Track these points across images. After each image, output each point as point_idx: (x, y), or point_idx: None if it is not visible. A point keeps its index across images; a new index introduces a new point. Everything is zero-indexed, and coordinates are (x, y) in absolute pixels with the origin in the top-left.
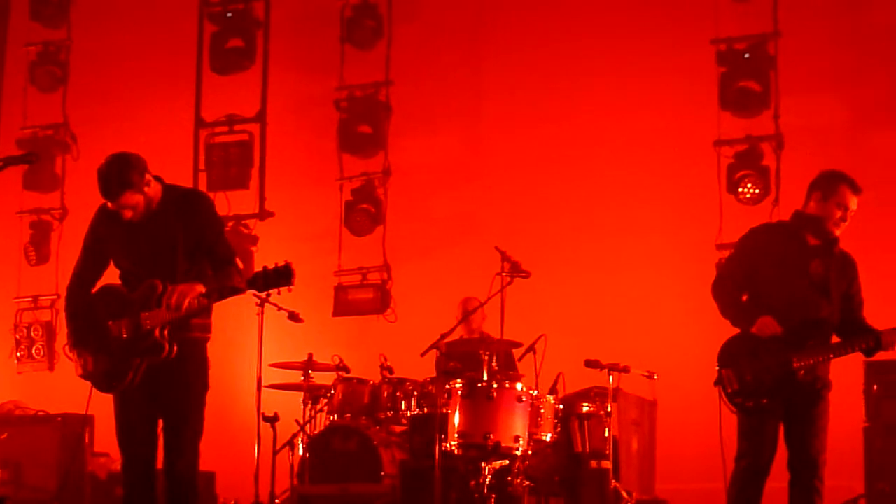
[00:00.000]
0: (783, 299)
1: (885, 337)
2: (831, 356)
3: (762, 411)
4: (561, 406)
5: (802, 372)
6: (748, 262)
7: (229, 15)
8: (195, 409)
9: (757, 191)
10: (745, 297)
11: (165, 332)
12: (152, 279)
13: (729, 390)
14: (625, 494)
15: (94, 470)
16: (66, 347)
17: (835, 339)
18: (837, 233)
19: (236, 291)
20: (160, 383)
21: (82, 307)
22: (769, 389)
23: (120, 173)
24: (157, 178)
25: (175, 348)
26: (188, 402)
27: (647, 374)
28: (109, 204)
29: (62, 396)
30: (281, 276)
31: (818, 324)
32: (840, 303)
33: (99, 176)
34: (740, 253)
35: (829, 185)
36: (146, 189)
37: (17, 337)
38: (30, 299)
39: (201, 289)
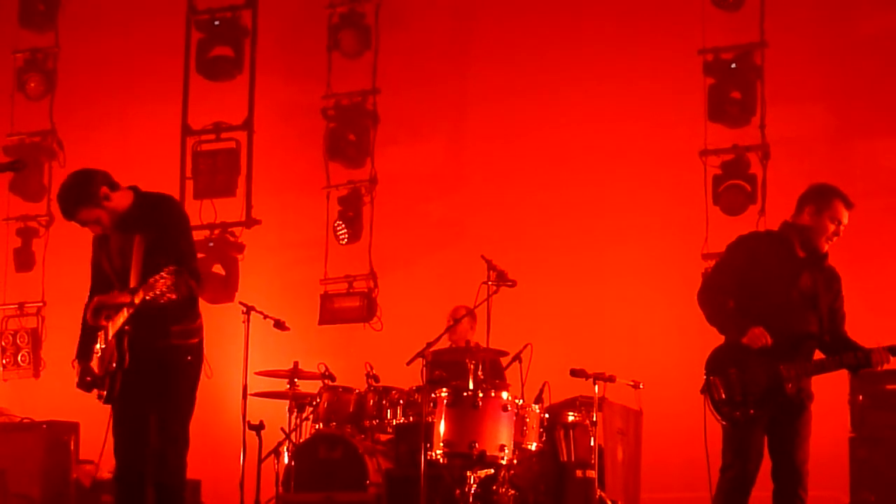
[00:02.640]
0: (772, 310)
1: (875, 356)
2: (820, 370)
3: (749, 422)
4: (546, 415)
5: (790, 384)
6: (738, 269)
7: (217, 23)
8: (175, 416)
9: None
10: (731, 305)
11: (125, 342)
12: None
13: (716, 399)
14: (610, 503)
15: (80, 477)
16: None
17: (818, 354)
18: (827, 247)
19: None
20: (143, 392)
21: (84, 321)
22: (757, 400)
23: (73, 190)
24: (132, 188)
25: (126, 359)
26: (167, 409)
27: (632, 383)
28: (71, 221)
29: (47, 404)
30: None
31: (807, 337)
32: (827, 317)
33: (58, 196)
34: (730, 260)
35: (824, 199)
36: (106, 203)
37: (3, 344)
38: (15, 306)
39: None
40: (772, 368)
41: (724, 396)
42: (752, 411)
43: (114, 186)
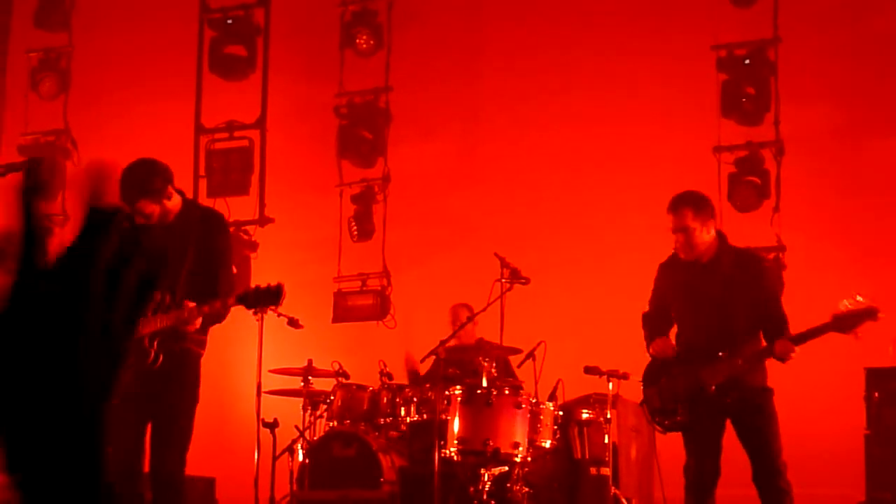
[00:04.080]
0: (685, 321)
1: (778, 346)
2: (756, 361)
3: (682, 427)
4: (560, 412)
5: (712, 387)
6: (661, 298)
7: (229, 21)
8: (185, 417)
9: None
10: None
11: (155, 342)
12: (166, 294)
13: (651, 408)
14: (624, 501)
15: None
16: None
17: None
18: (686, 253)
19: (218, 317)
20: (153, 389)
21: None
22: (685, 406)
23: (143, 180)
24: (179, 192)
25: (160, 358)
26: (179, 409)
27: (641, 376)
28: (125, 207)
29: None
30: (270, 296)
31: (727, 336)
32: (756, 308)
33: (122, 178)
34: (654, 292)
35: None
36: (165, 201)
37: None
38: None
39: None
40: (692, 375)
41: (657, 406)
42: (678, 418)
43: (173, 184)
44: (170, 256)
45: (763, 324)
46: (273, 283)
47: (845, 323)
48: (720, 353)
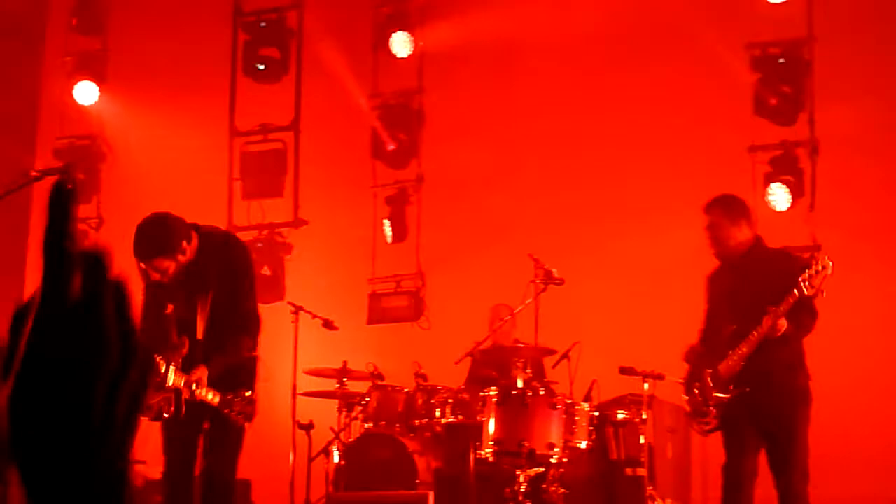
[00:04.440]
0: (724, 324)
1: (765, 321)
2: (745, 353)
3: (717, 429)
4: (596, 413)
5: (731, 385)
6: (709, 309)
7: (263, 25)
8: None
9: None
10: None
11: (181, 397)
12: (184, 337)
13: (688, 414)
14: (660, 502)
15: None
16: None
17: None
18: (715, 250)
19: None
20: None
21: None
22: (713, 407)
23: (158, 238)
24: (194, 228)
25: (182, 409)
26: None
27: (681, 381)
28: (140, 263)
29: None
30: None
31: (728, 335)
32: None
33: (136, 234)
34: (706, 304)
35: None
36: (180, 257)
37: None
38: None
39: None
40: (716, 373)
41: (692, 410)
42: (712, 419)
43: (189, 237)
44: (195, 295)
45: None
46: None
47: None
48: (728, 351)
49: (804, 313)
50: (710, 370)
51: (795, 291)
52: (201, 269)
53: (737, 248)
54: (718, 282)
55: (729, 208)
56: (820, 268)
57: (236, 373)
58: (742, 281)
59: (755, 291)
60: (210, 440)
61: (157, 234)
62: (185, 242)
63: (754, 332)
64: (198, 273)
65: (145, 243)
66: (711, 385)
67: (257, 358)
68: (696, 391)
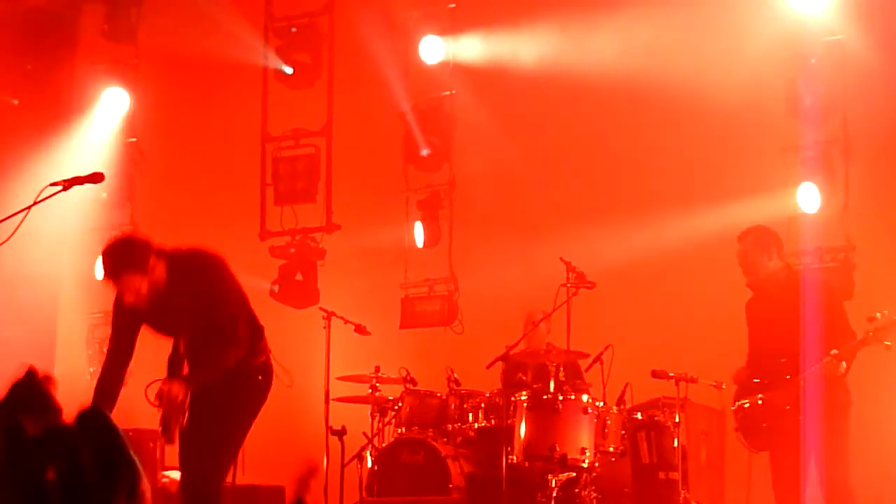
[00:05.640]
0: (761, 347)
1: (825, 366)
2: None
3: (766, 448)
4: (628, 417)
5: (787, 406)
6: (751, 334)
7: (294, 30)
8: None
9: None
10: None
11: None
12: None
13: (737, 430)
14: None
15: (165, 485)
16: None
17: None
18: (747, 277)
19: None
20: (210, 409)
21: None
22: (761, 428)
23: (125, 254)
24: (161, 253)
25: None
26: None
27: (714, 384)
28: (112, 285)
29: (133, 411)
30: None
31: (791, 357)
32: (812, 325)
33: (103, 253)
34: (748, 329)
35: None
36: (151, 274)
37: (90, 352)
38: (101, 314)
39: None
40: (766, 398)
41: (741, 427)
42: (759, 439)
43: (158, 254)
44: (172, 316)
45: (825, 339)
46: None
47: (880, 335)
48: (787, 376)
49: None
50: (760, 393)
51: (862, 338)
52: (174, 287)
53: (767, 277)
54: (754, 309)
55: (760, 239)
56: (888, 320)
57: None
58: (775, 310)
59: (789, 319)
60: (184, 450)
61: (123, 251)
62: (152, 258)
63: (811, 367)
64: (172, 293)
65: (112, 260)
66: (762, 408)
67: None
68: (746, 409)
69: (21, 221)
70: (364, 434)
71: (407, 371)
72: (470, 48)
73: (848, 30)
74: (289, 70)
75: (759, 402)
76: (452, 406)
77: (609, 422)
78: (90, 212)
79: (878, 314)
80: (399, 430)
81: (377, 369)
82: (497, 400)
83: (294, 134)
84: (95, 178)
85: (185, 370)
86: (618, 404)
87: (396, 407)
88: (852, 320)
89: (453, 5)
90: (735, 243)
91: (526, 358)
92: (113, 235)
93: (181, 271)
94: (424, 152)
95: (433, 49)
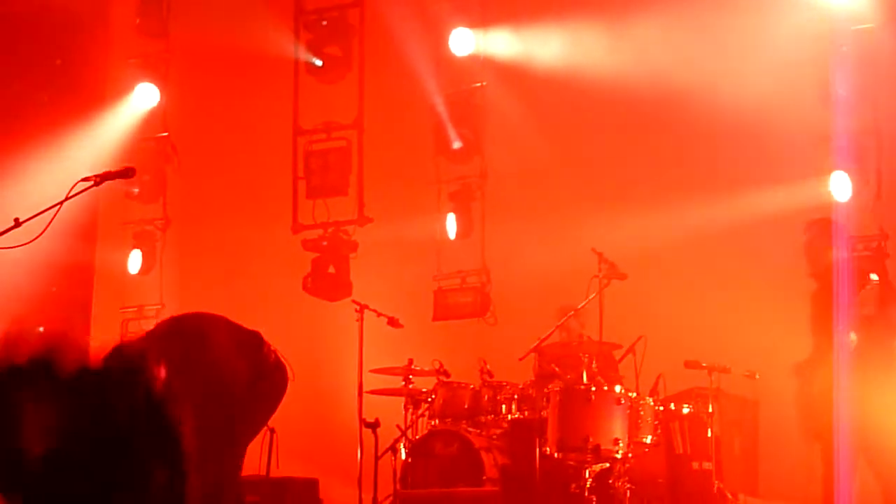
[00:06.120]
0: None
1: None
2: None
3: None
4: (661, 408)
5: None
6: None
7: (324, 23)
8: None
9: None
10: None
11: None
12: None
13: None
14: (728, 495)
15: None
16: None
17: None
18: (811, 269)
19: None
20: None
21: None
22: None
23: None
24: (158, 358)
25: None
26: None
27: (747, 373)
28: None
29: None
30: None
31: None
32: None
33: None
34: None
35: None
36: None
37: None
38: (135, 309)
39: None
40: None
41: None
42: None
43: (157, 360)
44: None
45: None
46: None
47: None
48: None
49: None
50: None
51: None
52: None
53: (829, 269)
54: (818, 301)
55: (825, 230)
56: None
57: None
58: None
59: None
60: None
61: None
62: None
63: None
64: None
65: None
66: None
67: None
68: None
69: (54, 216)
70: (398, 426)
71: (440, 363)
72: (500, 40)
73: (879, 18)
74: (318, 63)
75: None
76: (485, 398)
77: (642, 412)
78: (122, 206)
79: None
80: (432, 422)
81: (410, 362)
82: (530, 391)
83: (325, 127)
84: (127, 172)
85: None
86: (651, 395)
87: (430, 399)
88: None
89: None
90: (767, 232)
91: (559, 349)
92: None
93: (174, 357)
94: (456, 146)
95: (463, 41)
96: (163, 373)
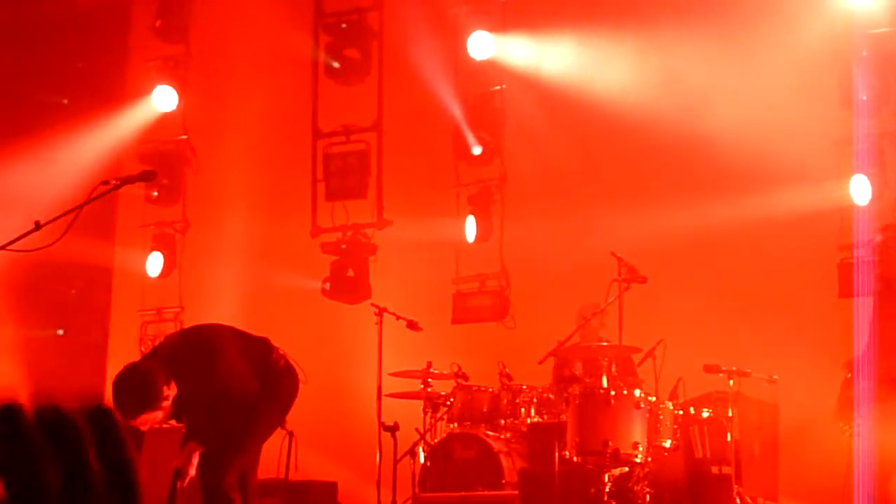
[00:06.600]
0: None
1: None
2: None
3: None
4: (680, 412)
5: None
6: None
7: (344, 26)
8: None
9: None
10: None
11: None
12: None
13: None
14: (748, 500)
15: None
16: None
17: None
18: (881, 271)
19: None
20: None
21: None
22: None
23: (138, 393)
24: (167, 376)
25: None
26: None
27: (767, 377)
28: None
29: None
30: None
31: None
32: None
33: (114, 391)
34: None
35: None
36: (164, 404)
37: (143, 349)
38: (154, 312)
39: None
40: None
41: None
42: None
43: (167, 379)
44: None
45: None
46: None
47: None
48: None
49: None
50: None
51: None
52: (182, 388)
53: None
54: (885, 302)
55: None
56: None
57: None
58: None
59: None
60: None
61: (135, 393)
62: (165, 389)
63: None
64: (181, 392)
65: (126, 402)
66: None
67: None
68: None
69: (74, 219)
70: (416, 430)
71: (459, 366)
72: (518, 44)
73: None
74: (336, 65)
75: None
76: (504, 401)
77: (661, 416)
78: (141, 209)
79: None
80: (451, 426)
81: (429, 365)
82: (549, 395)
83: (345, 130)
84: (147, 175)
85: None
86: (670, 399)
87: (448, 402)
88: None
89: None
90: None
91: (578, 353)
92: (120, 374)
93: (184, 372)
94: (476, 151)
95: (482, 44)
96: (172, 391)
